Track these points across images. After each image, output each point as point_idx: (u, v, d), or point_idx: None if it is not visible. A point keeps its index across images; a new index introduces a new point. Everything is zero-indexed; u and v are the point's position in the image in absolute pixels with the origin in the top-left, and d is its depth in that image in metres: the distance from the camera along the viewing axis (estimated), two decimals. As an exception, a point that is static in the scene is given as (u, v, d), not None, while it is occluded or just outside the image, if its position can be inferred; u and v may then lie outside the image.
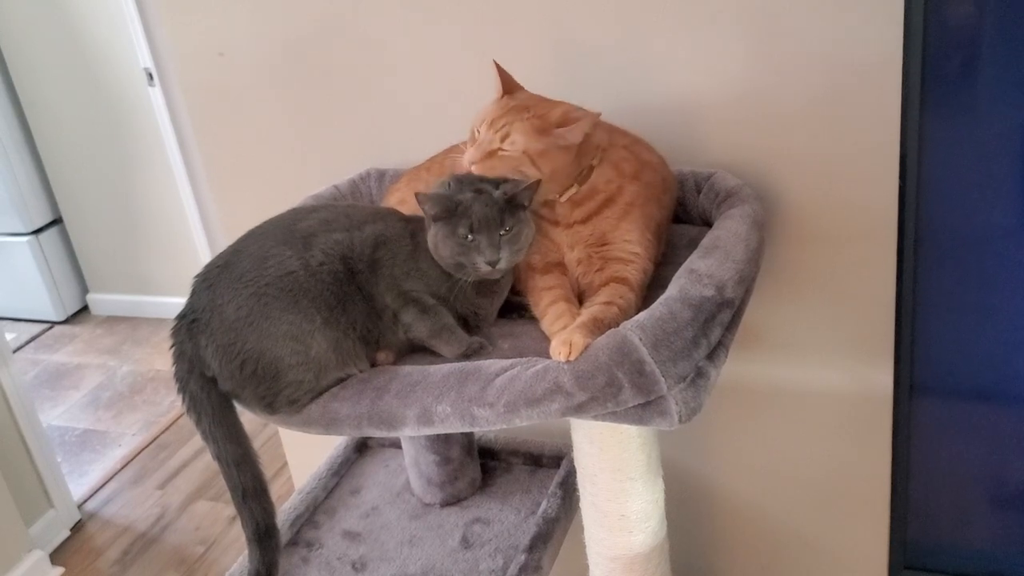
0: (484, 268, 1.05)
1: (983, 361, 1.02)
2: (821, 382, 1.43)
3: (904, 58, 0.92)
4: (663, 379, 0.92)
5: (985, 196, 0.96)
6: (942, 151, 0.95)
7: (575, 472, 1.20)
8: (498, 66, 1.17)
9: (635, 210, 1.13)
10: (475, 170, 1.11)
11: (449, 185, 1.09)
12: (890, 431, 1.03)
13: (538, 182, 1.08)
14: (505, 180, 1.08)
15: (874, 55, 1.19)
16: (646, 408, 0.95)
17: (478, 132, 1.13)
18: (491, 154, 1.10)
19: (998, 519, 1.05)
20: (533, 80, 1.19)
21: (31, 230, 3.62)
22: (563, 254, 1.14)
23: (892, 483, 1.04)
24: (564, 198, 1.13)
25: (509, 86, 1.17)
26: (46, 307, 3.74)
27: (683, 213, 1.31)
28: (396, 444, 1.62)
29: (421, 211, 1.08)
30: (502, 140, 1.10)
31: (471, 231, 1.05)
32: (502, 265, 1.06)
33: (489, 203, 1.05)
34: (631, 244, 1.12)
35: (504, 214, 1.05)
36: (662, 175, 1.21)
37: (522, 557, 1.31)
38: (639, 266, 1.12)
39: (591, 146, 1.13)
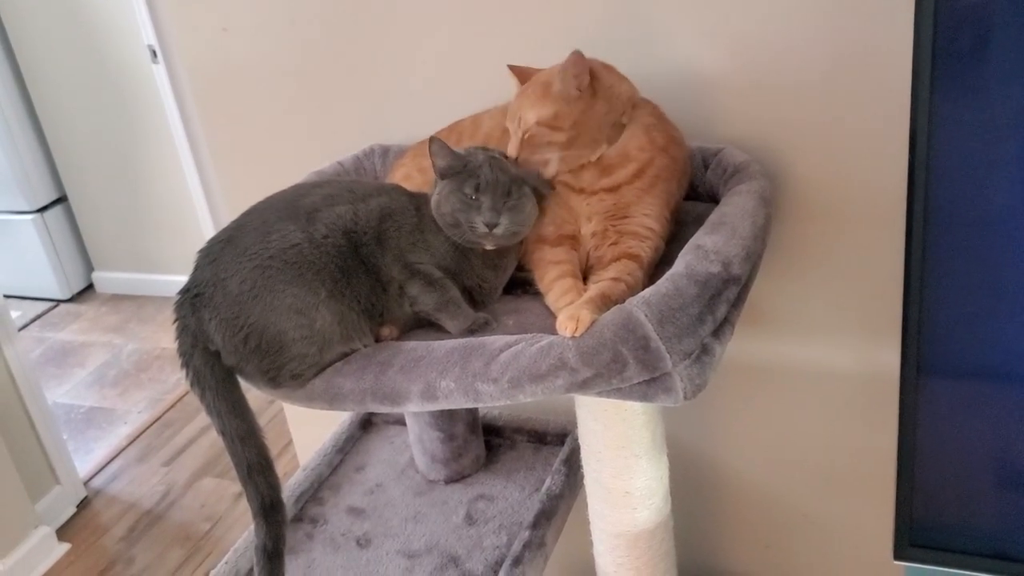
0: (481, 229, 1.05)
1: (991, 340, 1.01)
2: (827, 360, 1.43)
3: (915, 32, 0.91)
4: (668, 355, 0.92)
5: (997, 173, 0.95)
6: (953, 128, 0.93)
7: (579, 449, 1.20)
8: (512, 68, 1.18)
9: (660, 184, 1.13)
10: (521, 164, 1.12)
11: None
12: (896, 410, 1.02)
13: (551, 182, 1.11)
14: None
15: (885, 29, 1.18)
16: (651, 384, 0.94)
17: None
18: (522, 144, 1.11)
19: (1005, 498, 1.05)
20: (537, 55, 1.18)
21: (36, 208, 3.62)
22: (579, 226, 1.14)
23: (898, 461, 1.03)
24: (595, 157, 1.13)
25: (524, 78, 1.17)
26: (51, 285, 3.75)
27: (690, 189, 1.30)
28: (401, 421, 1.63)
29: (431, 159, 1.08)
30: (519, 125, 1.11)
31: (476, 190, 1.04)
32: (499, 231, 1.05)
33: (502, 168, 1.05)
34: (649, 219, 1.11)
35: (513, 184, 1.05)
36: (684, 153, 1.20)
37: (526, 534, 1.31)
38: (652, 243, 1.11)
39: (613, 96, 1.12)
